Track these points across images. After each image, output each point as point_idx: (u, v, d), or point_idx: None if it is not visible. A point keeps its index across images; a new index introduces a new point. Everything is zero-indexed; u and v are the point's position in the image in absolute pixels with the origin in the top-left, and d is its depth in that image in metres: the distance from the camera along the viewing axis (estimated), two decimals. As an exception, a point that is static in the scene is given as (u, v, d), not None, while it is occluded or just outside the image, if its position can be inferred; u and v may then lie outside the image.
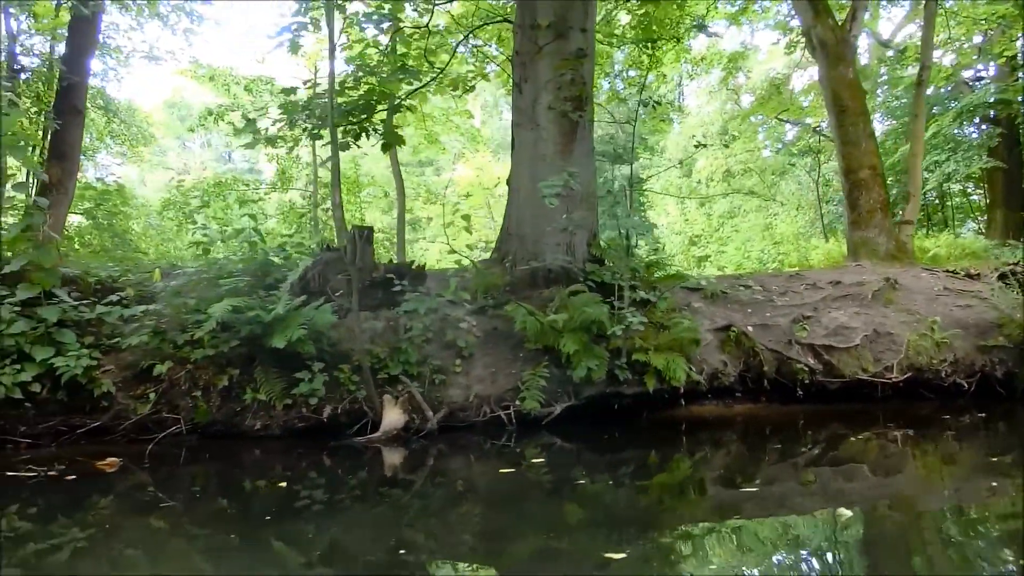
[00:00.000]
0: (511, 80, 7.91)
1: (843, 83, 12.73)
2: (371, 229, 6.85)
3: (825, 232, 22.20)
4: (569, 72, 7.30)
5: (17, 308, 5.75)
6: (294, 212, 21.60)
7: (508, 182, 8.09)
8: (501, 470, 5.36)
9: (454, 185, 30.83)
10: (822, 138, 22.58)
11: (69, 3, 12.44)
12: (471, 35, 10.01)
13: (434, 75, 8.09)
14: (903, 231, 12.19)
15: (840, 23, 13.25)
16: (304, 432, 6.10)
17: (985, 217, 19.60)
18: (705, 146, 23.43)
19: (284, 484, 4.90)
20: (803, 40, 18.73)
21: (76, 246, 15.00)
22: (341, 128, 8.13)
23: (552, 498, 4.66)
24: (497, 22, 9.95)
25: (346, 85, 8.35)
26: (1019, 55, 17.25)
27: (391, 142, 8.01)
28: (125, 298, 6.59)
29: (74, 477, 4.95)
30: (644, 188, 34.94)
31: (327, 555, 3.59)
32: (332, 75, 6.18)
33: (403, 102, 8.31)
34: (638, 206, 36.38)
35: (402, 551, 3.62)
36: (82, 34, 12.63)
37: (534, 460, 5.76)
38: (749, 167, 28.85)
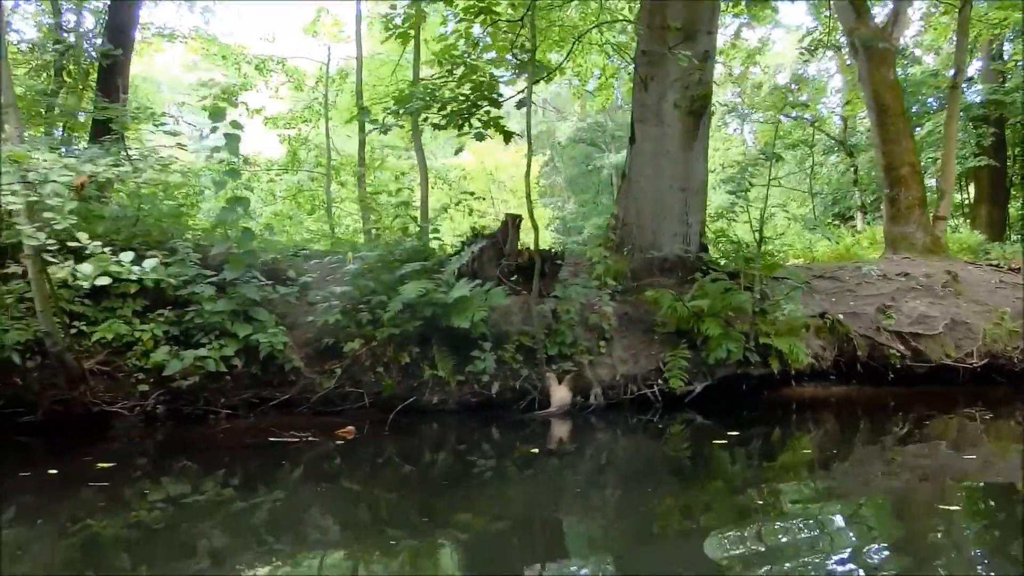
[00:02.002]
0: (633, 77, 8.33)
1: (884, 84, 13.37)
2: (520, 217, 7.25)
3: (819, 224, 23.09)
4: (697, 72, 7.76)
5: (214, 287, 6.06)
6: (303, 195, 21.56)
7: (623, 174, 8.54)
8: (658, 442, 6.04)
9: (459, 170, 31.11)
10: (816, 132, 23.43)
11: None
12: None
13: (550, 70, 8.45)
14: (937, 226, 12.94)
15: (883, 25, 13.88)
16: (476, 407, 6.54)
17: (968, 213, 20.63)
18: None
19: (461, 453, 5.46)
20: (824, 40, 19.51)
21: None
22: (446, 118, 8.50)
23: (696, 468, 5.37)
24: (616, 22, 10.34)
25: (447, 78, 8.73)
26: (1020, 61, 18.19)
27: (509, 134, 8.39)
28: (291, 279, 6.92)
29: (317, 440, 5.36)
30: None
31: (500, 514, 4.11)
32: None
33: (516, 95, 8.66)
34: None
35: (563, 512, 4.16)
36: (124, 10, 12.60)
37: (681, 434, 6.39)
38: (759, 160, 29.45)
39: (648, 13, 7.94)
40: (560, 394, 6.48)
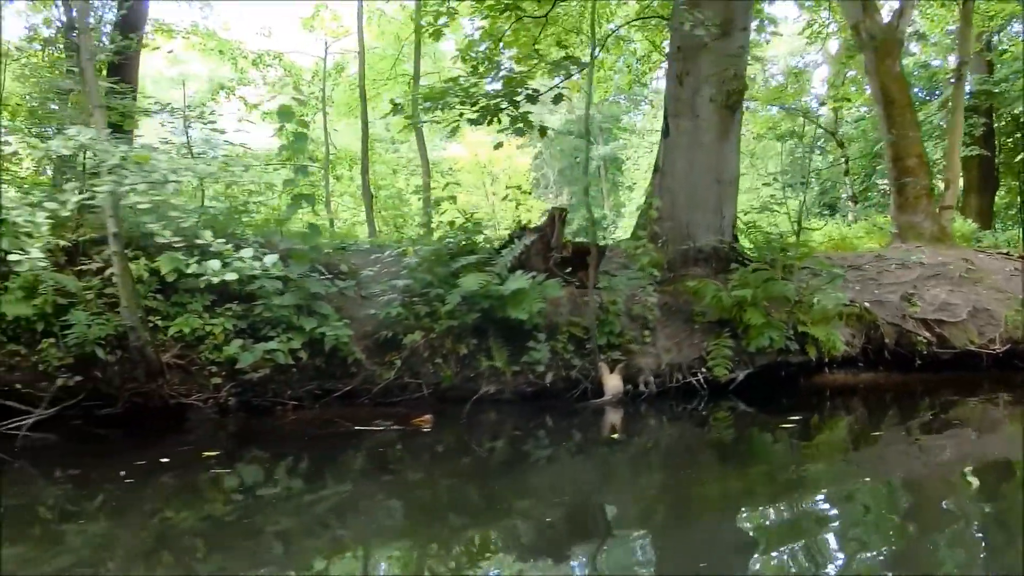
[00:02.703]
0: (668, 74, 8.52)
1: (891, 76, 13.63)
2: (565, 211, 7.44)
3: (807, 213, 23.41)
4: (732, 67, 7.97)
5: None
6: (302, 188, 21.56)
7: (656, 167, 8.74)
8: (716, 428, 6.46)
9: (449, 163, 31.25)
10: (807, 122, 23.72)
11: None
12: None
13: (579, 68, 8.60)
14: (943, 216, 13.26)
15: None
16: (531, 396, 6.74)
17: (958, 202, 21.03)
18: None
19: (523, 440, 5.74)
20: (820, 31, 19.80)
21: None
22: (478, 113, 8.68)
23: (739, 451, 5.73)
24: (651, 18, 10.53)
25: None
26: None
27: (544, 130, 8.59)
28: (343, 273, 7.06)
29: (400, 429, 5.56)
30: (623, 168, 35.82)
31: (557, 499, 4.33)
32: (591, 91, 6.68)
33: (550, 90, 8.84)
34: (614, 187, 37.34)
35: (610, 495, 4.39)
36: (135, 6, 12.60)
37: (732, 420, 6.74)
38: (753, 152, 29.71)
39: (683, 10, 8.12)
40: (613, 383, 6.69)
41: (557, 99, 8.46)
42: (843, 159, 24.21)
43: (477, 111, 8.52)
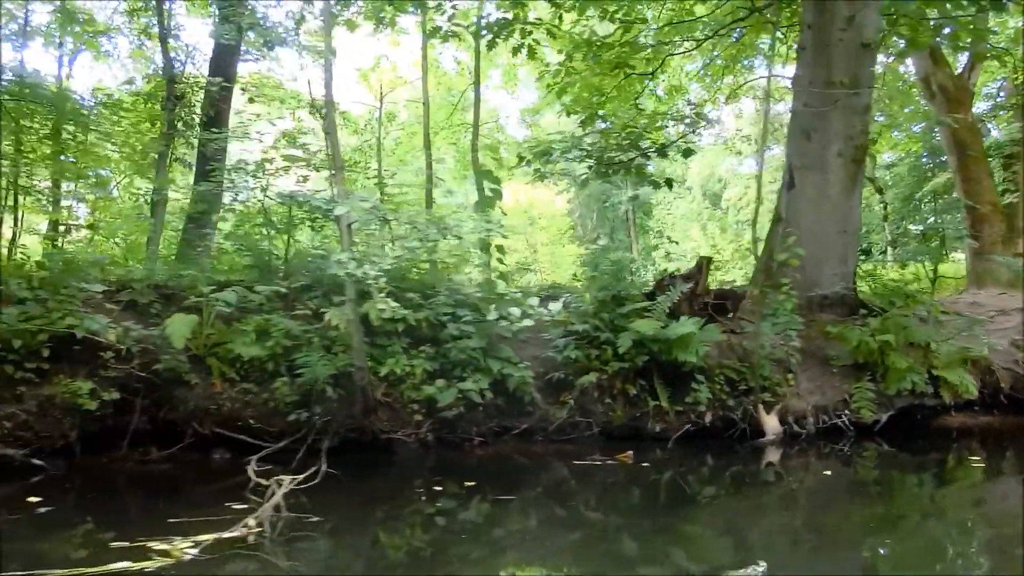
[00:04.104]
0: (792, 130, 9.01)
1: (963, 126, 14.11)
2: (711, 259, 7.87)
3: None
4: (859, 123, 8.45)
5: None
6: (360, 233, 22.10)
7: (778, 217, 9.17)
8: (856, 467, 6.87)
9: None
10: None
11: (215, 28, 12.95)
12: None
13: (708, 123, 9.13)
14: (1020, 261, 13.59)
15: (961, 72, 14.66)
16: (692, 435, 7.10)
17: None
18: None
19: (683, 476, 6.16)
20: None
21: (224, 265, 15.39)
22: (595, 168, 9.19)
23: (893, 489, 6.17)
24: (773, 77, 11.11)
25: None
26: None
27: (670, 182, 9.09)
28: (505, 318, 7.48)
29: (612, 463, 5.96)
30: (652, 212, 36.30)
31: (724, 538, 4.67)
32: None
33: (673, 144, 9.35)
34: (643, 231, 37.84)
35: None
36: (226, 58, 13.28)
37: (873, 459, 7.08)
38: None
39: (810, 69, 8.63)
40: (772, 423, 7.05)
41: (687, 153, 8.95)
42: (882, 203, 24.60)
43: (593, 166, 9.04)
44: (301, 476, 4.22)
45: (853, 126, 8.54)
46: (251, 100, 12.10)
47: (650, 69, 11.16)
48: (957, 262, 18.86)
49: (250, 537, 3.62)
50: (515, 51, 8.75)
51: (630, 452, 6.19)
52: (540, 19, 8.71)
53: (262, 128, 10.73)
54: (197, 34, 27.12)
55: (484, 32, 8.37)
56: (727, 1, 9.92)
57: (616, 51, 10.53)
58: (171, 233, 12.47)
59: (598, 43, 10.07)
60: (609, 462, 6.09)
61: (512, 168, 9.94)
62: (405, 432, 6.20)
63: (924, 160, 20.62)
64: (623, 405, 7.03)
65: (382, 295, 5.42)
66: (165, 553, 3.33)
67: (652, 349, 6.95)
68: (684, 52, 11.00)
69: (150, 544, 3.44)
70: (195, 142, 13.02)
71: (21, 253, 8.27)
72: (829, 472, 6.81)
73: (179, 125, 14.40)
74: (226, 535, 3.57)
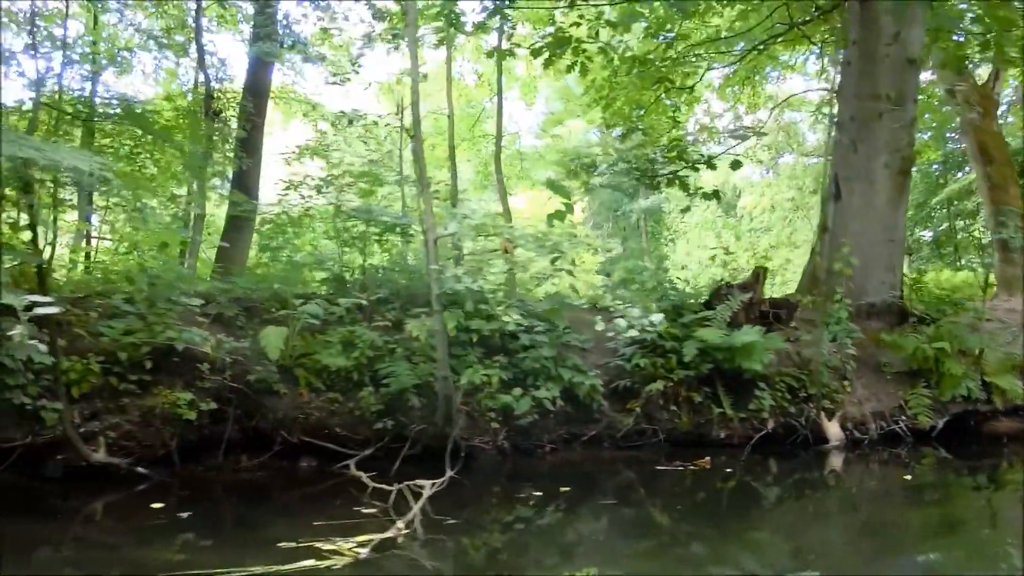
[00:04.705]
0: (839, 142, 9.21)
1: (989, 135, 14.30)
2: (766, 269, 8.05)
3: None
4: (906, 136, 8.65)
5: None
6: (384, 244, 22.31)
7: (824, 227, 9.36)
8: (916, 472, 6.97)
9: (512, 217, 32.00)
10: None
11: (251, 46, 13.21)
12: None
13: (757, 135, 9.36)
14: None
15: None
16: (755, 442, 7.25)
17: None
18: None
19: (743, 484, 6.30)
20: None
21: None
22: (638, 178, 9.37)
23: (948, 496, 6.25)
24: (818, 91, 11.34)
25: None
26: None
27: (716, 195, 9.30)
28: (568, 328, 7.66)
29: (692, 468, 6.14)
30: (664, 220, 36.43)
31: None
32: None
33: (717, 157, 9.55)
34: (654, 238, 37.99)
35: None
36: (261, 73, 13.56)
37: (931, 464, 7.25)
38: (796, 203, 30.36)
39: (856, 83, 8.85)
40: (834, 430, 7.22)
41: (735, 165, 9.15)
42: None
43: (647, 176, 9.22)
44: (440, 481, 4.40)
45: (899, 138, 8.74)
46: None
47: (689, 83, 11.38)
48: (972, 268, 19.06)
49: (399, 538, 3.80)
50: (569, 68, 8.98)
51: (708, 458, 6.35)
52: (593, 37, 8.95)
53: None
54: (224, 48, 27.38)
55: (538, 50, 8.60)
56: (767, 17, 10.13)
57: (658, 66, 10.76)
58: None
59: (641, 59, 10.30)
60: (690, 467, 6.24)
61: (559, 180, 10.18)
62: (482, 440, 6.37)
63: (935, 168, 20.87)
64: (688, 412, 7.19)
65: (501, 308, 5.61)
66: (336, 552, 3.50)
67: (716, 357, 7.12)
68: (724, 66, 11.22)
69: (316, 545, 3.62)
70: (230, 156, 13.29)
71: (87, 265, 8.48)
72: (891, 477, 6.97)
73: (216, 140, 14.71)
74: (380, 536, 3.75)
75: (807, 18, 10.39)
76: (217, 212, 16.52)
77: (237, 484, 5.69)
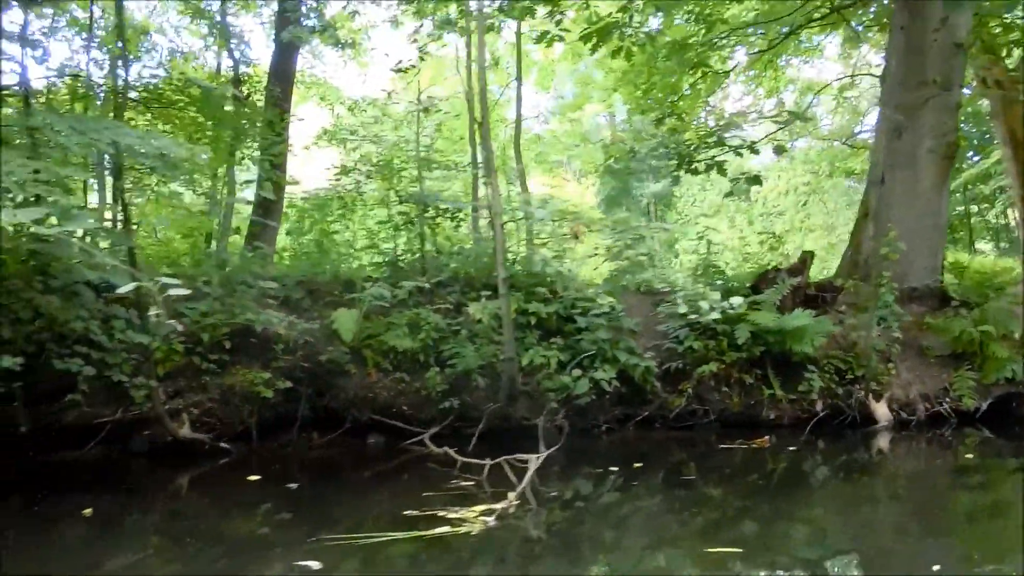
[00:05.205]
0: (883, 127, 9.26)
1: (1018, 120, 14.27)
2: (813, 254, 8.16)
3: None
4: (950, 121, 8.71)
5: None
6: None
7: (866, 212, 9.45)
8: (962, 452, 7.04)
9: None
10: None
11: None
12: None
13: (802, 119, 9.42)
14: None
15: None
16: (803, 422, 7.40)
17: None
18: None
19: (793, 464, 6.40)
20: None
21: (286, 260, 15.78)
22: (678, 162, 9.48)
23: (993, 477, 6.29)
24: (862, 75, 11.36)
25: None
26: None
27: (757, 180, 9.38)
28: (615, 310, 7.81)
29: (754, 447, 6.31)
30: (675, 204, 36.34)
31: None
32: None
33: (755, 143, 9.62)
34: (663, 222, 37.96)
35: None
36: (286, 57, 13.60)
37: (974, 444, 7.30)
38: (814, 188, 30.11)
39: (903, 68, 8.89)
40: (882, 411, 7.35)
41: (779, 150, 9.22)
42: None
43: (685, 161, 9.34)
44: (542, 455, 4.58)
45: (944, 123, 8.80)
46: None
47: (726, 68, 11.43)
48: (985, 253, 19.07)
49: (510, 508, 3.99)
50: (614, 54, 9.06)
51: (767, 437, 6.51)
52: (641, 22, 9.03)
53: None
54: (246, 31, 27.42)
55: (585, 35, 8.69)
56: (809, 0, 10.16)
57: (696, 51, 10.81)
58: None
59: (681, 43, 10.36)
60: (753, 445, 6.40)
61: (602, 164, 10.27)
62: (543, 419, 6.54)
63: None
64: (739, 394, 7.34)
65: (592, 290, 5.78)
66: (465, 521, 3.70)
67: (767, 340, 7.25)
68: (763, 51, 11.26)
69: (440, 514, 3.82)
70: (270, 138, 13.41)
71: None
72: (938, 458, 7.11)
73: (247, 125, 14.81)
74: (499, 506, 3.94)
75: (848, 2, 10.40)
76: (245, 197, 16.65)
77: (312, 460, 5.91)
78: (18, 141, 4.76)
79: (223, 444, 5.58)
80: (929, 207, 8.99)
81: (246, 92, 14.66)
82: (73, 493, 4.82)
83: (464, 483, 4.67)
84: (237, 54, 15.38)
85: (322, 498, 4.82)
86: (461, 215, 7.66)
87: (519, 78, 16.08)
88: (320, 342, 6.20)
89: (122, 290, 3.20)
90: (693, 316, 7.25)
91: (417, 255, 7.27)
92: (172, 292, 3.16)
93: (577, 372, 6.66)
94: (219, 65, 15.79)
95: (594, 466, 5.69)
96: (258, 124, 13.38)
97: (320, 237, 9.48)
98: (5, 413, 5.16)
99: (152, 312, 4.00)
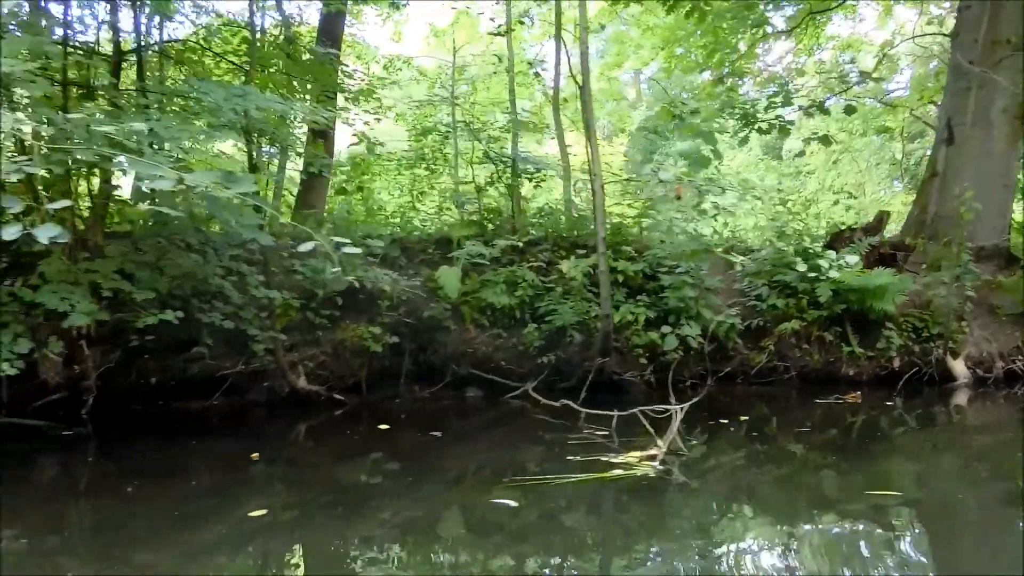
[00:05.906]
0: (954, 87, 9.23)
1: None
2: (888, 213, 8.22)
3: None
4: (1023, 81, 8.67)
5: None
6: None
7: (934, 172, 9.46)
8: None
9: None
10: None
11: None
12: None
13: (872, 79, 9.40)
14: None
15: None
16: (882, 379, 7.53)
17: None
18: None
19: (873, 419, 6.44)
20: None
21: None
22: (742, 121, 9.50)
23: None
24: (932, 35, 11.27)
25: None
26: None
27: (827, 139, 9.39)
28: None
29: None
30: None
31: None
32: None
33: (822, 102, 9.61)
34: (691, 184, 37.74)
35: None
36: (334, 19, 13.55)
37: None
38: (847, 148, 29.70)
39: (976, 28, 8.84)
40: (960, 368, 7.47)
41: (849, 110, 9.22)
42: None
43: (751, 120, 9.36)
44: (685, 405, 4.74)
45: (1017, 83, 8.75)
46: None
47: (788, 27, 11.36)
48: None
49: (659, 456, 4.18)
50: (688, 15, 9.06)
51: (858, 393, 6.66)
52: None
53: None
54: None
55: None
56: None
57: (759, 11, 10.75)
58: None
59: (747, 2, 10.32)
60: (848, 400, 6.56)
61: (666, 121, 10.27)
62: (632, 374, 6.72)
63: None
64: (819, 351, 7.48)
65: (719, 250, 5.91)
66: (630, 465, 3.90)
67: (848, 298, 7.36)
68: (829, 10, 11.17)
69: (604, 458, 4.03)
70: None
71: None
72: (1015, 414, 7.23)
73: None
74: (651, 453, 4.14)
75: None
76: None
77: (417, 412, 6.11)
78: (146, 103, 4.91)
79: (337, 396, 5.78)
80: (1000, 167, 9.00)
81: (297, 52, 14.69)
82: (205, 438, 5.08)
83: (596, 433, 4.86)
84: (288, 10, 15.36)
85: (468, 446, 5.03)
86: (543, 176, 7.76)
87: (557, 35, 16.02)
88: (420, 299, 6.37)
89: (305, 247, 3.36)
90: (837, 274, 7.30)
91: (507, 214, 7.41)
92: (345, 250, 3.32)
93: (667, 328, 6.80)
94: (263, 23, 15.83)
95: (705, 420, 5.82)
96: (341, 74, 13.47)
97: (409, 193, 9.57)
98: (138, 365, 5.39)
99: (330, 270, 4.17)
